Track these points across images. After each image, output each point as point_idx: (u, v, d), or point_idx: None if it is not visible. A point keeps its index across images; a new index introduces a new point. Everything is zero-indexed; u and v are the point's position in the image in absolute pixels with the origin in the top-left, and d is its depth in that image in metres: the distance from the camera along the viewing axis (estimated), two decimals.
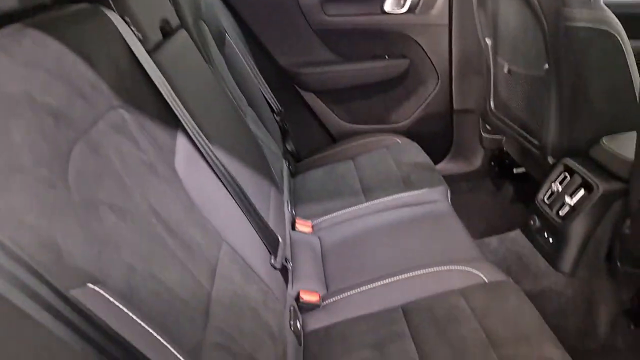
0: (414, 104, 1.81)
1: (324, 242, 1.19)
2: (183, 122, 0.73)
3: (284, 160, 1.53)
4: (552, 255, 1.07)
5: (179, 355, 0.45)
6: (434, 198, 1.24)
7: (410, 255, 1.03)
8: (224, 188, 0.78)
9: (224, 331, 0.60)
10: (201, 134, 0.78)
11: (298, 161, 1.73)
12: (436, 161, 1.88)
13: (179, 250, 0.59)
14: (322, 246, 1.18)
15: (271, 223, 0.96)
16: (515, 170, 1.75)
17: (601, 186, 0.97)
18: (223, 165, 0.80)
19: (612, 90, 1.05)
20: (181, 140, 0.74)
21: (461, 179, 1.89)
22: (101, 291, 0.42)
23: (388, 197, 1.28)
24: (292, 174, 1.58)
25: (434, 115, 1.81)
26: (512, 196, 1.77)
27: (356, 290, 0.97)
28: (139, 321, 0.43)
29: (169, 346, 0.45)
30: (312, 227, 1.26)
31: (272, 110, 1.63)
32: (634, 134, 1.04)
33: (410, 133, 1.81)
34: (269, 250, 0.85)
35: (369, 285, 0.97)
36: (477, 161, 1.86)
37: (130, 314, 0.43)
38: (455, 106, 1.78)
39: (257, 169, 1.03)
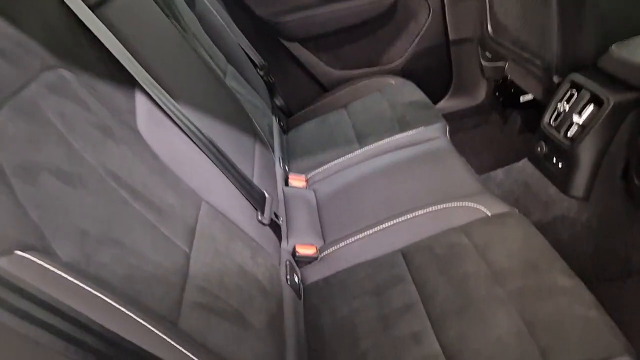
0: (406, 40, 1.69)
1: (319, 195, 1.14)
2: (140, 81, 0.67)
3: (273, 117, 1.46)
4: (563, 181, 1.00)
5: (141, 321, 0.42)
6: (431, 136, 1.17)
7: (408, 197, 0.97)
8: (196, 147, 0.73)
9: (205, 290, 0.56)
10: (164, 92, 0.71)
11: (290, 116, 1.66)
12: (437, 99, 1.78)
13: (148, 212, 0.55)
14: (318, 199, 1.13)
15: (256, 180, 0.91)
16: (522, 98, 1.64)
17: (612, 98, 0.88)
18: (193, 124, 0.74)
19: None
20: (140, 100, 0.68)
21: (465, 115, 1.79)
22: (33, 258, 0.37)
23: (383, 141, 1.21)
24: (284, 130, 1.51)
25: (429, 49, 1.69)
26: (520, 126, 1.67)
27: (354, 238, 0.93)
28: (88, 288, 0.39)
29: (129, 313, 0.41)
30: (307, 181, 1.21)
31: (255, 65, 1.54)
32: None
33: (405, 72, 1.70)
34: (254, 207, 0.81)
35: (366, 232, 0.93)
36: (481, 94, 1.75)
37: (77, 281, 0.39)
38: (451, 36, 1.65)
39: (236, 126, 0.97)
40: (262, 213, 0.81)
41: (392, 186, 1.04)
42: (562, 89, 1.02)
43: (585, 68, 1.01)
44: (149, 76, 0.67)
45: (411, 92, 1.43)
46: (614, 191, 0.95)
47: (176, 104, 0.73)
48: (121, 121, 0.61)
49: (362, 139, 1.28)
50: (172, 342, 0.42)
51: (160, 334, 0.42)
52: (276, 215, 0.88)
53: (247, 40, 1.54)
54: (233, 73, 1.34)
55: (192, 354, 0.44)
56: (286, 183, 1.17)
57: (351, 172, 1.16)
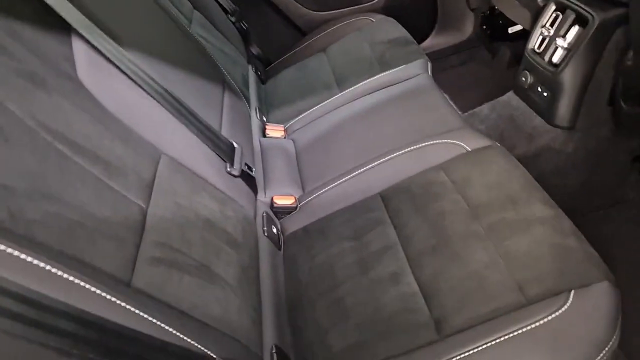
0: None
1: (298, 144, 1.10)
2: (75, 25, 0.61)
3: (249, 66, 1.39)
4: (548, 110, 0.95)
5: (82, 283, 0.39)
6: (412, 73, 1.11)
7: (388, 139, 0.93)
8: (150, 97, 0.68)
9: (164, 244, 0.54)
10: (107, 38, 0.65)
11: (268, 65, 1.58)
12: (423, 37, 1.70)
13: (92, 166, 0.52)
14: (297, 148, 1.09)
15: (225, 131, 0.87)
16: (510, 30, 1.56)
17: (597, 16, 0.81)
18: (146, 72, 0.69)
19: None
20: (78, 46, 0.62)
21: (452, 52, 1.71)
22: None
23: (362, 83, 1.15)
24: (262, 80, 1.44)
25: None
26: (510, 59, 1.60)
27: (332, 185, 0.90)
28: (13, 251, 0.36)
29: (66, 275, 0.38)
30: (285, 130, 1.16)
31: (226, 11, 1.44)
32: None
33: (388, 10, 1.60)
34: (222, 159, 0.77)
35: (345, 178, 0.90)
36: (468, 29, 1.66)
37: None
38: None
39: (201, 75, 0.91)
40: (232, 164, 0.78)
41: (371, 129, 1.00)
42: (547, 12, 0.95)
43: None
44: (86, 19, 0.61)
45: (391, 30, 1.35)
46: (601, 118, 0.91)
47: (123, 51, 0.67)
48: (55, 69, 0.56)
49: (341, 83, 1.22)
50: (122, 303, 0.40)
51: (106, 295, 0.39)
52: (249, 167, 0.84)
53: None
54: (200, 20, 1.26)
55: (147, 314, 0.42)
56: (264, 134, 1.13)
57: (330, 118, 1.11)
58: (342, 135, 1.03)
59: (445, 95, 1.07)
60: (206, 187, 0.69)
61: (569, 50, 0.88)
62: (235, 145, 0.82)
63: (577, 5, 0.86)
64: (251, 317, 0.58)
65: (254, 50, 1.53)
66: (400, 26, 1.36)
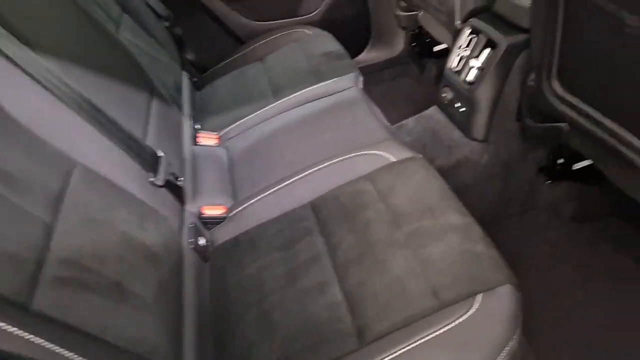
0: None
1: (232, 152, 1.09)
2: None
3: (183, 72, 1.35)
4: (465, 124, 1.03)
5: None
6: (345, 86, 1.14)
7: (319, 149, 0.95)
8: (62, 103, 0.64)
9: (73, 263, 0.51)
10: (18, 43, 0.61)
11: (204, 72, 1.55)
12: (357, 51, 1.76)
13: None
14: (230, 156, 1.08)
15: (151, 140, 0.84)
16: (435, 48, 1.66)
17: (504, 40, 0.90)
18: (58, 77, 0.65)
19: None
20: None
21: (385, 66, 1.79)
22: None
23: (297, 93, 1.16)
24: (197, 87, 1.41)
25: (345, 1, 1.64)
26: (436, 75, 1.70)
27: (264, 194, 0.90)
28: None
29: None
30: (219, 138, 1.15)
31: (159, 16, 1.40)
32: None
33: (324, 23, 1.64)
34: (145, 169, 0.74)
35: (277, 187, 0.90)
36: (399, 46, 1.74)
37: None
38: None
39: (124, 81, 0.87)
40: (155, 174, 0.75)
41: (303, 139, 1.01)
42: (463, 35, 1.03)
43: (484, 12, 1.02)
44: None
45: (327, 43, 1.38)
46: (510, 132, 1.00)
47: (35, 56, 0.63)
48: None
49: (277, 93, 1.23)
50: (12, 329, 0.37)
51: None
52: (175, 176, 0.82)
53: None
54: (129, 24, 1.21)
55: (45, 340, 0.39)
56: (196, 142, 1.11)
57: (265, 127, 1.11)
58: (275, 144, 1.03)
59: (377, 107, 1.11)
60: (125, 199, 0.66)
61: (481, 70, 0.96)
62: (160, 153, 0.80)
63: (488, 30, 0.95)
64: (170, 335, 0.57)
65: (189, 56, 1.49)
66: (335, 40, 1.40)
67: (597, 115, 0.70)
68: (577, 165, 1.00)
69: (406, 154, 0.86)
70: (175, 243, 0.72)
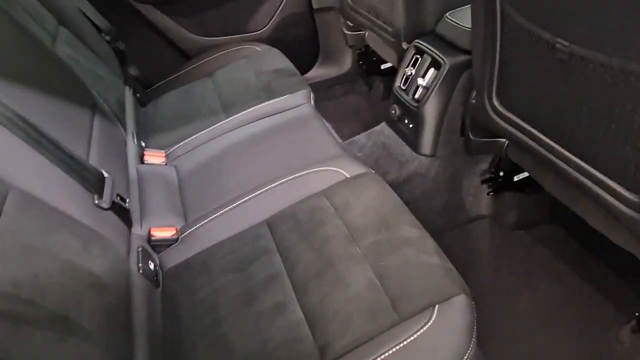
0: (271, 7, 1.63)
1: (181, 171, 1.05)
2: None
3: (126, 88, 1.30)
4: (414, 140, 1.07)
5: None
6: (296, 103, 1.15)
7: (273, 166, 0.95)
8: None
9: (10, 296, 0.46)
10: None
11: (149, 87, 1.50)
12: (306, 68, 1.78)
13: None
14: (179, 175, 1.04)
15: (94, 159, 0.79)
16: (382, 66, 1.73)
17: (447, 61, 0.95)
18: None
19: None
20: None
21: (335, 83, 1.82)
22: None
23: (248, 110, 1.15)
24: (142, 103, 1.36)
25: (294, 17, 1.66)
26: (383, 93, 1.77)
27: (217, 214, 0.88)
28: None
29: None
30: (167, 156, 1.10)
31: (99, 30, 1.34)
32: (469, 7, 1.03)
33: (272, 40, 1.65)
34: (89, 190, 0.70)
35: (230, 206, 0.88)
36: (347, 63, 1.79)
37: None
38: (314, 5, 1.65)
39: (63, 98, 0.82)
40: (100, 196, 0.71)
41: (256, 156, 1.00)
42: (409, 55, 1.08)
43: (427, 34, 1.08)
44: None
45: (277, 60, 1.39)
46: (455, 147, 1.05)
47: None
48: None
49: (227, 109, 1.21)
50: None
51: None
52: (121, 198, 0.78)
53: (87, 1, 1.32)
54: (66, 37, 1.14)
55: None
56: (142, 161, 1.06)
57: (215, 144, 1.09)
58: (227, 162, 1.01)
59: (328, 124, 1.13)
60: (67, 224, 0.62)
61: (427, 89, 1.01)
62: (105, 174, 0.75)
63: (432, 51, 1.00)
64: None
65: (132, 71, 1.44)
66: (284, 57, 1.41)
67: (534, 131, 0.75)
68: (518, 177, 1.07)
69: (359, 169, 0.88)
70: (123, 269, 0.68)
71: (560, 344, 0.91)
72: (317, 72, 1.82)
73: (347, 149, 1.02)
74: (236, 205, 0.88)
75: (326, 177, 0.87)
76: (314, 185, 0.87)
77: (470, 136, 0.97)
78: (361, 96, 1.83)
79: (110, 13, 1.41)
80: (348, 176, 0.86)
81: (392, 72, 1.74)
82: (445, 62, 0.96)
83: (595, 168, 0.65)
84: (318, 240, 0.75)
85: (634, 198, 0.60)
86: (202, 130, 1.14)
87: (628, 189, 0.61)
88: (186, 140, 1.13)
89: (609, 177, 0.63)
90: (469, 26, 0.96)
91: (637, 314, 0.84)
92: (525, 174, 1.08)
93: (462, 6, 1.05)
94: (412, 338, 0.58)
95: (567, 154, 0.70)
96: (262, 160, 0.98)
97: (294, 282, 0.71)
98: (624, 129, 0.56)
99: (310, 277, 0.70)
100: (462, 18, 0.99)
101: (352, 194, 0.82)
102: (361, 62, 1.74)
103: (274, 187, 0.89)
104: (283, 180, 0.89)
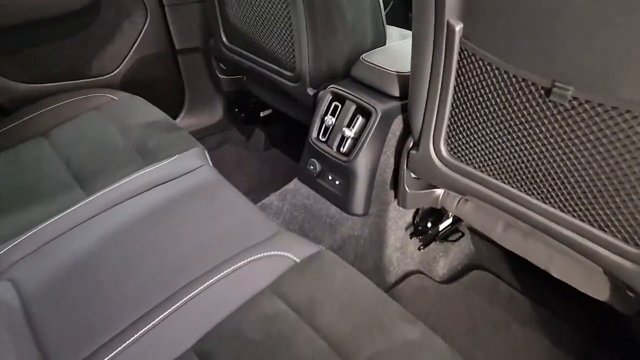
0: (123, 46, 1.32)
1: (23, 288, 0.67)
2: None
3: None
4: (343, 199, 0.94)
5: None
6: (191, 165, 0.89)
7: (183, 262, 0.68)
8: None
9: None
10: None
11: None
12: (172, 117, 1.50)
13: None
14: (22, 297, 0.66)
15: None
16: (262, 113, 1.57)
17: (378, 108, 0.86)
18: None
19: (362, 8, 0.93)
20: None
21: (205, 133, 1.58)
22: None
23: (121, 181, 0.84)
24: None
25: (153, 59, 1.38)
26: (265, 142, 1.61)
27: (111, 354, 0.56)
28: None
29: None
30: None
31: None
32: (388, 47, 0.97)
33: (128, 86, 1.34)
34: None
35: (129, 340, 0.58)
36: (219, 110, 1.58)
37: None
38: (177, 45, 1.40)
39: None
40: None
41: (154, 249, 0.71)
42: (324, 102, 0.95)
43: (341, 78, 0.98)
44: None
45: (145, 111, 1.10)
46: (385, 200, 0.95)
47: None
48: None
49: (85, 182, 0.87)
50: None
51: None
52: None
53: None
54: None
55: None
56: None
57: (79, 237, 0.75)
58: (106, 264, 0.69)
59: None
60: None
61: (356, 139, 0.89)
62: None
63: (356, 98, 0.89)
64: None
65: None
66: (154, 107, 1.13)
67: (499, 183, 0.69)
68: (443, 225, 1.03)
69: (309, 248, 0.69)
70: None
71: None
72: (185, 122, 1.55)
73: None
74: (140, 336, 0.58)
75: (269, 266, 0.66)
76: (254, 279, 0.64)
77: (407, 189, 0.88)
78: (239, 147, 1.63)
79: None
80: (298, 260, 0.66)
81: (272, 119, 1.61)
82: (376, 110, 0.86)
83: (588, 222, 0.61)
84: None
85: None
86: (51, 218, 0.78)
87: (634, 243, 0.57)
88: (26, 235, 0.75)
89: (606, 232, 0.59)
90: (392, 69, 0.90)
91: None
92: (449, 221, 1.05)
93: (374, 47, 0.97)
94: None
95: (545, 207, 0.65)
96: (165, 254, 0.70)
97: None
98: (633, 179, 0.52)
99: None
100: (381, 60, 0.92)
101: (313, 285, 0.62)
102: (237, 110, 1.55)
103: (194, 294, 0.62)
104: (207, 281, 0.64)
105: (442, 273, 1.08)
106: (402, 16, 1.72)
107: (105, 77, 1.30)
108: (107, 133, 1.00)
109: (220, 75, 1.45)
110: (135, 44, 1.33)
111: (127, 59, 1.33)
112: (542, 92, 0.55)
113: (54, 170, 0.91)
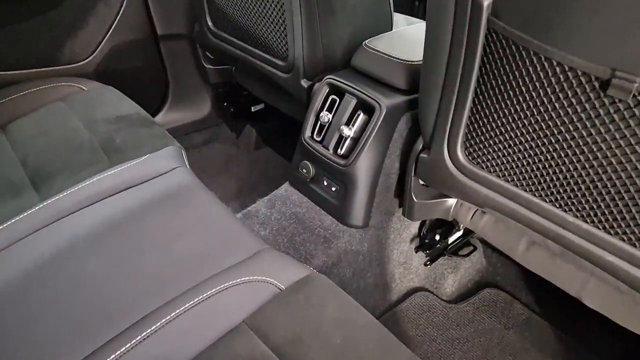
0: (97, 30, 1.19)
1: None
2: None
3: None
4: (340, 208, 0.81)
5: None
6: (164, 166, 0.77)
7: (135, 292, 0.55)
8: None
9: None
10: None
11: None
12: (154, 112, 1.38)
13: None
14: None
15: None
16: (253, 108, 1.45)
17: (383, 103, 0.74)
18: None
19: None
20: None
21: (191, 129, 1.45)
22: None
23: (83, 184, 0.72)
24: None
25: (131, 46, 1.25)
26: (256, 140, 1.48)
27: None
28: None
29: None
30: None
31: None
32: (395, 32, 0.85)
33: (101, 76, 1.21)
34: None
35: None
36: (206, 104, 1.45)
37: None
38: (159, 31, 1.27)
39: None
40: None
41: (107, 271, 0.59)
42: (319, 96, 0.83)
43: (340, 69, 0.85)
44: None
45: (117, 103, 0.98)
46: (388, 211, 0.84)
47: None
48: None
49: (42, 183, 0.75)
50: None
51: None
52: None
53: None
54: None
55: None
56: None
57: (31, 249, 0.62)
58: (58, 281, 0.57)
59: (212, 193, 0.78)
60: None
61: (356, 140, 0.77)
62: None
63: (358, 90, 0.77)
64: None
65: None
66: (128, 99, 1.00)
67: (526, 195, 0.58)
68: (453, 238, 0.91)
69: (297, 271, 0.57)
70: None
71: None
72: (168, 117, 1.42)
73: (246, 225, 0.70)
74: None
75: (247, 294, 0.54)
76: (228, 311, 0.52)
77: (414, 198, 0.76)
78: (227, 145, 1.51)
79: None
80: (283, 287, 0.54)
81: (265, 114, 1.49)
82: (380, 105, 0.73)
83: (629, 242, 0.50)
84: None
85: None
86: (1, 223, 0.66)
87: None
88: None
89: None
90: (400, 57, 0.77)
91: None
92: (459, 234, 0.93)
93: (381, 32, 0.85)
94: None
95: (587, 227, 0.53)
96: (120, 273, 0.57)
97: None
98: None
99: None
100: (387, 47, 0.79)
101: (300, 320, 0.50)
102: (226, 104, 1.43)
103: (152, 330, 0.50)
104: (170, 313, 0.52)
105: (451, 291, 0.96)
106: (408, 3, 1.59)
107: (75, 65, 1.17)
108: (71, 127, 0.88)
109: (207, 65, 1.32)
110: (111, 29, 1.20)
111: (101, 45, 1.20)
112: (597, 84, 0.43)
113: (9, 169, 0.79)
